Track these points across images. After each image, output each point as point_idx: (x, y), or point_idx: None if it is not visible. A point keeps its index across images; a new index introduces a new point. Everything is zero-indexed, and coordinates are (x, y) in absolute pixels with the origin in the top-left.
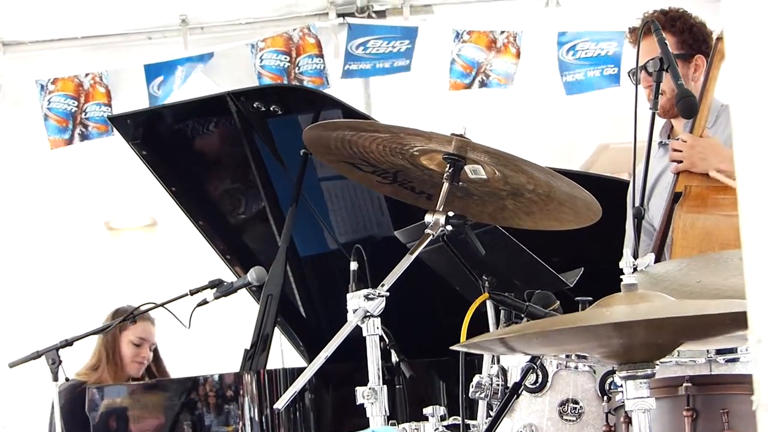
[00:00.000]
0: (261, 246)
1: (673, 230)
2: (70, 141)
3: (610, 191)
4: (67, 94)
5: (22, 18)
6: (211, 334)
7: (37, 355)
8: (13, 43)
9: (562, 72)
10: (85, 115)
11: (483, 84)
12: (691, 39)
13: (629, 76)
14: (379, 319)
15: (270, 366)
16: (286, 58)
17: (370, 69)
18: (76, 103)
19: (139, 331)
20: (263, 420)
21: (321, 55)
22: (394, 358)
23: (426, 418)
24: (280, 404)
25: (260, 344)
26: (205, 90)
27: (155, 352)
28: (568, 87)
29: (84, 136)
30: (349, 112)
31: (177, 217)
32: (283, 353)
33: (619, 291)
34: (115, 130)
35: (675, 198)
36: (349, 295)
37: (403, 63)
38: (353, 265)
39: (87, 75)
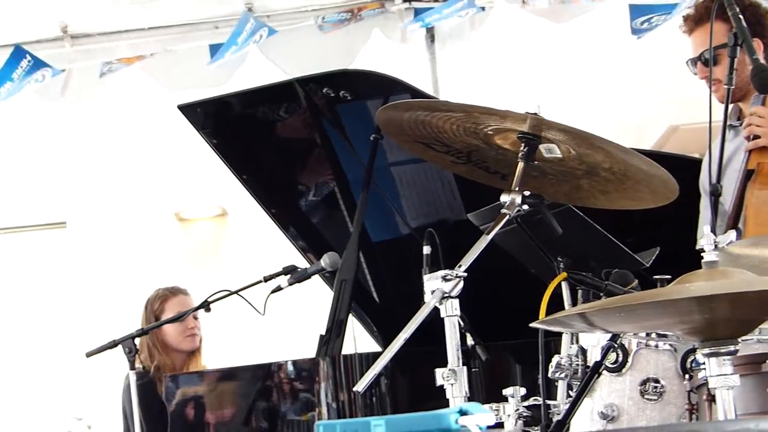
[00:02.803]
0: (333, 232)
1: (746, 208)
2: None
3: (682, 170)
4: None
5: (89, 10)
6: (285, 320)
7: (113, 344)
8: (80, 35)
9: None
10: None
11: None
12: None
13: (687, 65)
14: (457, 300)
15: (343, 351)
16: (347, 14)
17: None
18: None
19: (175, 307)
20: (340, 405)
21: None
22: (469, 341)
23: (505, 399)
24: (360, 387)
25: (335, 329)
26: (272, 77)
27: None
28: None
29: None
30: (418, 94)
31: (247, 206)
32: (355, 339)
33: (694, 270)
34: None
35: (747, 175)
36: (426, 277)
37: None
38: (426, 249)
39: (152, 55)
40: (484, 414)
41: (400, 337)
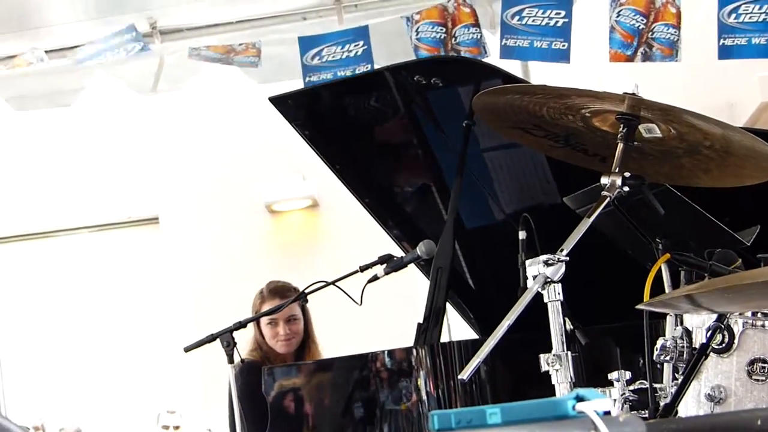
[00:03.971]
0: (427, 220)
1: None
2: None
3: None
4: (434, 22)
5: (179, 5)
6: (380, 309)
7: (211, 339)
8: (169, 31)
9: (721, 35)
10: (455, 40)
11: (647, 56)
12: None
13: None
14: (559, 284)
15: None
16: (442, 30)
17: (527, 48)
18: (444, 30)
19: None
20: (439, 394)
21: (477, 25)
22: (568, 325)
23: (609, 384)
24: (465, 375)
25: (433, 318)
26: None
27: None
28: (722, 51)
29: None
30: (510, 80)
31: (339, 196)
32: (450, 327)
33: None
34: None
35: None
36: (527, 262)
37: (561, 45)
38: (522, 234)
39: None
40: (601, 399)
41: (503, 323)
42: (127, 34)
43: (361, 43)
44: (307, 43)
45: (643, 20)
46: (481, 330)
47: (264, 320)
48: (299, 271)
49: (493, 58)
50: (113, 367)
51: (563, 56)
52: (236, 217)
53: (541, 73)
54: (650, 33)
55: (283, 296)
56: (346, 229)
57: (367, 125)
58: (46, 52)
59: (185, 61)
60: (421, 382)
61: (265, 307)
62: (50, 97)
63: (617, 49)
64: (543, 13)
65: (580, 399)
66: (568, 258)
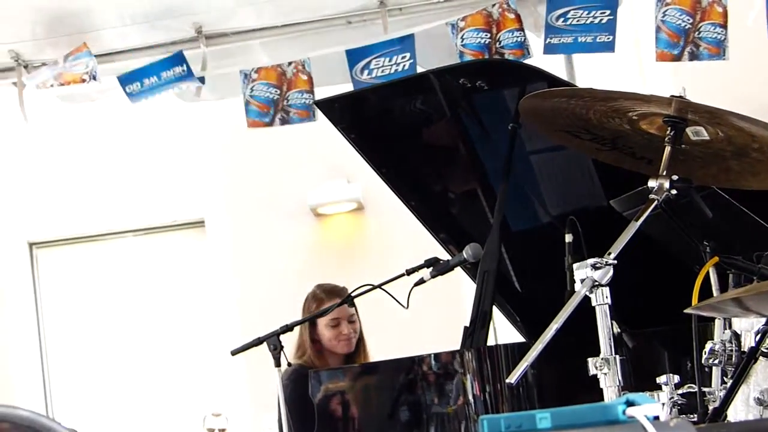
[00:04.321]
0: (473, 222)
1: None
2: (269, 123)
3: None
4: (269, 83)
5: (224, 11)
6: (426, 313)
7: (258, 342)
8: (215, 35)
9: None
10: (287, 102)
11: (693, 56)
12: None
13: None
14: (607, 288)
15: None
16: (486, 35)
17: (571, 43)
18: (278, 92)
19: (332, 312)
20: (486, 397)
21: (521, 29)
22: (615, 329)
23: (658, 387)
24: (513, 378)
25: (479, 321)
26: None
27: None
28: None
29: (285, 121)
30: (556, 82)
31: (384, 199)
32: (495, 330)
33: None
34: (317, 114)
35: None
36: (575, 265)
37: (606, 38)
38: (568, 237)
39: (290, 64)
40: (651, 404)
41: (551, 327)
42: (177, 67)
43: (408, 55)
44: (354, 56)
45: (689, 20)
46: (527, 333)
47: (324, 321)
48: (344, 275)
49: (536, 59)
50: (159, 370)
51: (608, 47)
52: (281, 220)
53: (586, 76)
54: (697, 32)
55: (341, 297)
56: (391, 233)
57: (413, 128)
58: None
59: (229, 65)
60: (467, 385)
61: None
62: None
63: (664, 49)
64: (588, 14)
65: (630, 404)
66: (616, 261)
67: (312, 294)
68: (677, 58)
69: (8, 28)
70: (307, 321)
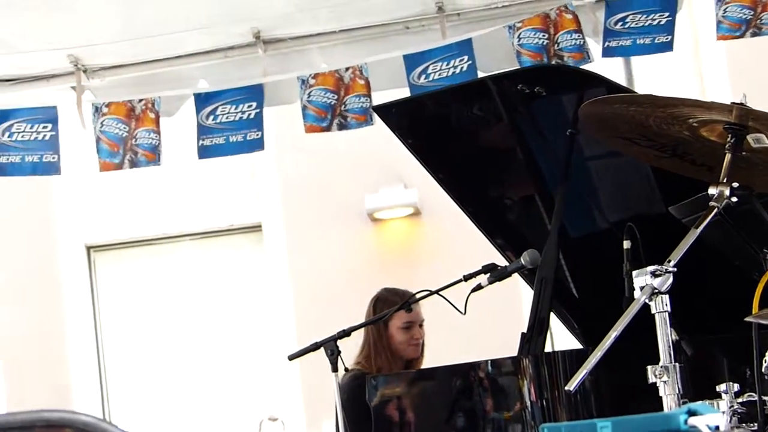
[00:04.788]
0: (530, 228)
1: None
2: (326, 128)
3: None
4: (326, 88)
5: (282, 16)
6: (483, 319)
7: (315, 347)
8: (273, 41)
9: None
10: (344, 107)
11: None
12: None
13: None
14: (667, 295)
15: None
16: (544, 36)
17: (630, 45)
18: (336, 96)
19: (406, 316)
20: (543, 404)
21: (580, 30)
22: (674, 336)
23: (717, 396)
24: (572, 386)
25: (537, 327)
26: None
27: None
28: None
29: (343, 126)
30: (614, 88)
31: (440, 205)
32: (552, 336)
33: None
34: (375, 118)
35: None
36: (635, 272)
37: (664, 39)
38: (626, 244)
39: (348, 69)
40: (713, 414)
41: (610, 334)
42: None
43: (466, 58)
44: (412, 60)
45: (750, 12)
46: (584, 340)
47: (397, 324)
48: (400, 280)
49: (596, 63)
50: (215, 374)
51: (667, 47)
52: (338, 225)
53: (645, 81)
54: (758, 20)
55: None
56: (448, 238)
57: (470, 134)
58: (148, 62)
59: (287, 70)
60: (524, 391)
61: (398, 313)
62: None
63: (725, 33)
64: (647, 17)
65: (692, 413)
66: (675, 269)
67: (384, 297)
68: (739, 37)
69: (68, 33)
70: (374, 322)
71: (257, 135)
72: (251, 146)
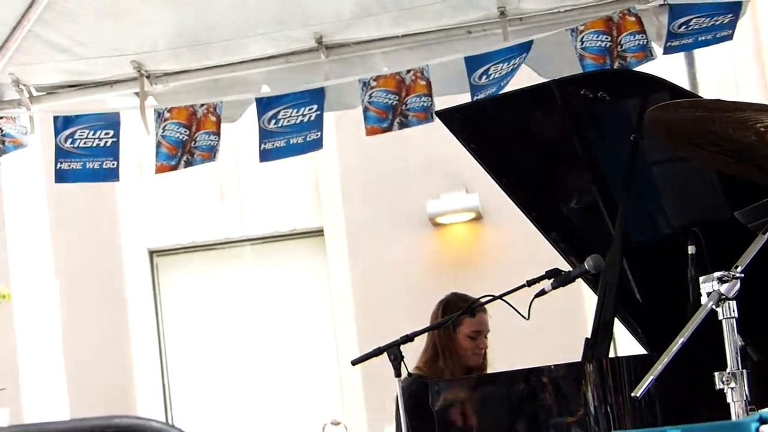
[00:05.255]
0: (593, 233)
1: None
2: (388, 129)
3: None
4: (387, 90)
5: (344, 21)
6: (546, 324)
7: (379, 352)
8: (335, 46)
9: None
10: (405, 106)
11: None
12: None
13: None
14: (734, 301)
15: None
16: (607, 39)
17: (691, 43)
18: (397, 97)
19: (475, 324)
20: (607, 410)
21: (643, 31)
22: (740, 341)
23: None
24: (638, 392)
25: (601, 332)
26: (526, 79)
27: None
28: None
29: (403, 124)
30: (679, 93)
31: (502, 209)
32: (615, 341)
33: None
34: (436, 121)
35: None
36: (701, 278)
37: (726, 33)
38: (691, 249)
39: (409, 71)
40: None
41: (677, 340)
42: (305, 99)
43: (525, 55)
44: (474, 63)
45: None
46: (649, 345)
47: (465, 331)
48: (462, 285)
49: (660, 68)
50: (277, 379)
51: (726, 38)
52: (400, 229)
53: (709, 86)
54: None
55: (484, 310)
56: (510, 242)
57: (533, 138)
58: (211, 68)
59: (349, 75)
60: (588, 396)
61: (467, 320)
62: None
63: None
64: (711, 20)
65: (763, 421)
66: (743, 275)
67: (453, 302)
68: None
69: (131, 39)
70: (439, 327)
71: (316, 135)
72: (311, 146)
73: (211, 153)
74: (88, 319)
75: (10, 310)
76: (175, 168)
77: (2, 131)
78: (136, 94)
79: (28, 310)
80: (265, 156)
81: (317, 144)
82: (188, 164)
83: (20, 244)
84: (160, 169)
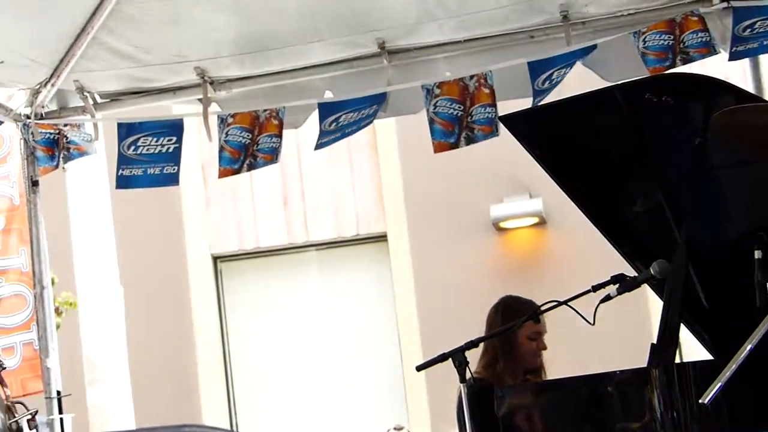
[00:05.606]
0: (658, 238)
1: None
2: (455, 145)
3: None
4: (452, 98)
5: (407, 27)
6: (610, 329)
7: (443, 358)
8: (398, 51)
9: None
10: (471, 118)
11: None
12: None
13: None
14: None
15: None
16: (669, 37)
17: (757, 47)
18: (462, 107)
19: (534, 326)
20: (674, 415)
21: (706, 29)
22: None
23: None
24: (706, 398)
25: (667, 338)
26: (589, 83)
27: None
28: None
29: (470, 140)
30: (744, 97)
31: (565, 214)
32: (680, 346)
33: None
34: (500, 129)
35: None
36: None
37: None
38: (757, 254)
39: (472, 77)
40: None
41: (745, 346)
42: (367, 103)
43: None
44: (537, 68)
45: None
46: (715, 351)
47: (526, 333)
48: (526, 289)
49: (723, 72)
50: (341, 383)
51: None
52: (463, 234)
53: None
54: None
55: (533, 311)
56: (574, 247)
57: (597, 143)
58: (274, 74)
59: (411, 80)
60: (654, 403)
61: (528, 323)
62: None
63: None
64: None
65: None
66: None
67: (510, 305)
68: None
69: (195, 45)
70: (505, 332)
71: (369, 120)
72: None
73: (273, 155)
74: (153, 325)
75: (76, 317)
76: (238, 171)
77: (67, 139)
78: (199, 100)
79: (94, 316)
80: (320, 145)
81: (369, 122)
82: (251, 167)
83: (85, 251)
84: (223, 174)
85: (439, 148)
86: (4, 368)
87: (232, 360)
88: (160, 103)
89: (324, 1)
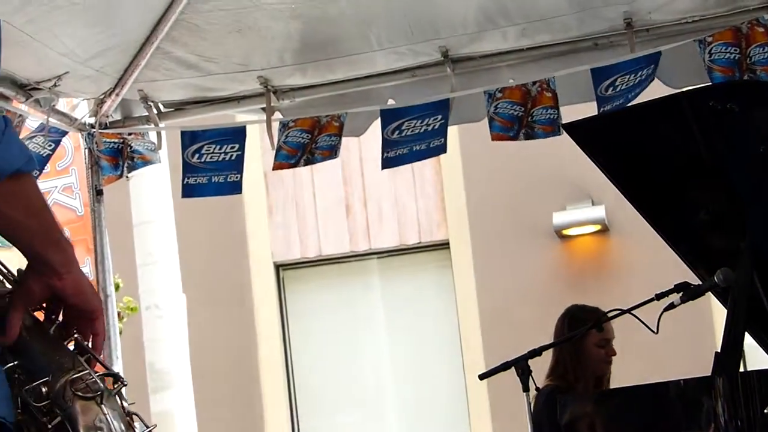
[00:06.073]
0: (722, 246)
1: None
2: (513, 137)
3: None
4: (513, 101)
5: (470, 34)
6: (674, 338)
7: (506, 366)
8: (461, 59)
9: None
10: (531, 118)
11: None
12: None
13: None
14: None
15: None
16: (736, 51)
17: None
18: (523, 109)
19: (600, 334)
20: (738, 424)
21: None
22: None
23: None
24: None
25: (731, 347)
26: (653, 91)
27: None
28: None
29: (529, 136)
30: None
31: (628, 221)
32: (744, 355)
33: None
34: (561, 129)
35: None
36: None
37: None
38: None
39: (535, 83)
40: None
41: None
42: (430, 110)
43: (653, 66)
44: (600, 74)
45: None
46: None
47: (594, 340)
48: (589, 297)
49: None
50: (404, 391)
51: None
52: (525, 242)
53: None
54: None
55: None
56: (636, 254)
57: (661, 150)
58: (337, 83)
59: (474, 87)
60: (719, 412)
61: (593, 331)
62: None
63: None
64: None
65: None
66: None
67: (576, 314)
68: None
69: (258, 54)
70: (567, 341)
71: (440, 141)
72: (434, 152)
73: (332, 151)
74: (216, 333)
75: (139, 325)
76: (294, 166)
77: (131, 148)
78: (263, 109)
79: (157, 324)
80: (387, 163)
81: (441, 149)
82: (308, 162)
83: (148, 258)
84: (277, 167)
85: (496, 137)
86: (126, 385)
87: (294, 367)
88: (223, 112)
89: (383, 10)
